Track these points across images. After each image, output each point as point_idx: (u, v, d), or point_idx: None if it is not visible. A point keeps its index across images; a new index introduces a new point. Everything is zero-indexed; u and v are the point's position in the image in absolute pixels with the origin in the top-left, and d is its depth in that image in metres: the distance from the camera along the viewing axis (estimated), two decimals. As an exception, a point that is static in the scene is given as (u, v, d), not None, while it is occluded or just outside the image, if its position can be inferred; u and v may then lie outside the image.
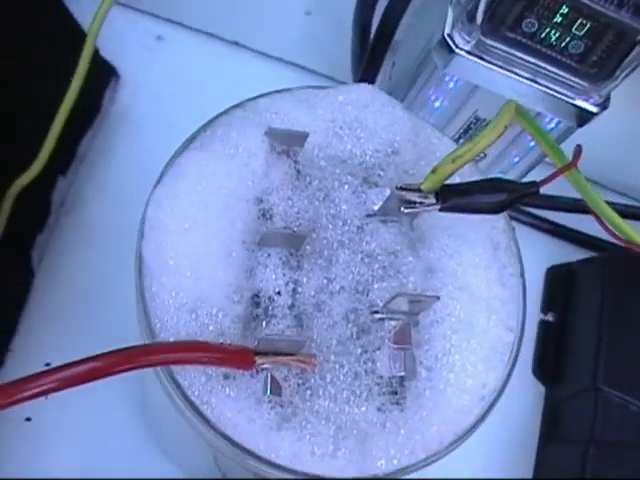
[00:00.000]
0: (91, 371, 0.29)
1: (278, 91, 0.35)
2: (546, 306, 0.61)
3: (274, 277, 0.31)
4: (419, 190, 0.32)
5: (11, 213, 0.49)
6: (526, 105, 0.44)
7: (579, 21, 0.42)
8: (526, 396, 0.60)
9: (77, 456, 0.53)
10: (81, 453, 0.53)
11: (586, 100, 0.45)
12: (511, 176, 0.52)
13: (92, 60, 0.54)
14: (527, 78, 0.44)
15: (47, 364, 0.53)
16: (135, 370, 0.30)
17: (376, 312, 0.32)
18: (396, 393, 0.32)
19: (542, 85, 0.44)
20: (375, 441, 0.31)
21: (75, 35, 0.50)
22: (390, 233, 0.33)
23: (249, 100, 0.35)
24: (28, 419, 0.53)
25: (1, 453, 0.51)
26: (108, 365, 0.29)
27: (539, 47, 0.43)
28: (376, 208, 0.33)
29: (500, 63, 0.44)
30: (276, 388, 0.30)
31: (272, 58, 0.63)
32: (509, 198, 0.33)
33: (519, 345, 0.34)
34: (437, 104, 0.49)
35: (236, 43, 0.63)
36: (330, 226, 0.33)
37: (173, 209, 0.30)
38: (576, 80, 0.44)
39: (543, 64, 0.44)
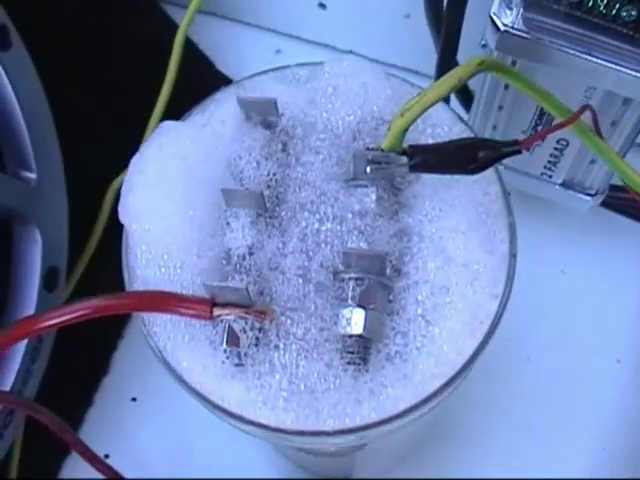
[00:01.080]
0: (75, 316, 0.32)
1: (276, 69, 0.37)
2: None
3: (241, 236, 0.33)
4: (382, 150, 0.32)
5: (112, 208, 0.54)
6: (589, 83, 0.42)
7: (624, -17, 0.39)
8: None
9: (177, 437, 0.57)
10: (180, 434, 0.57)
11: (653, 72, 0.42)
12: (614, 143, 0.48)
13: (203, 70, 0.60)
14: (582, 52, 0.42)
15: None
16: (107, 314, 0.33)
17: (339, 272, 0.32)
18: (354, 352, 0.32)
19: (600, 59, 0.41)
20: (326, 398, 0.31)
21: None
22: (363, 197, 0.33)
23: (247, 78, 0.37)
24: (134, 399, 0.57)
25: (107, 431, 0.56)
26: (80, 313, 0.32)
27: (588, 17, 0.41)
28: (351, 173, 0.34)
29: (550, 38, 0.42)
30: (233, 339, 0.32)
31: (384, 64, 0.64)
32: (487, 156, 0.32)
33: (502, 314, 0.33)
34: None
35: (350, 52, 0.65)
36: (298, 189, 0.33)
37: (140, 172, 0.33)
38: (636, 50, 0.41)
39: (596, 35, 0.41)
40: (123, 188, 0.33)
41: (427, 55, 0.58)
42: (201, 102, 0.36)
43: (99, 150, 0.53)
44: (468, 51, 0.51)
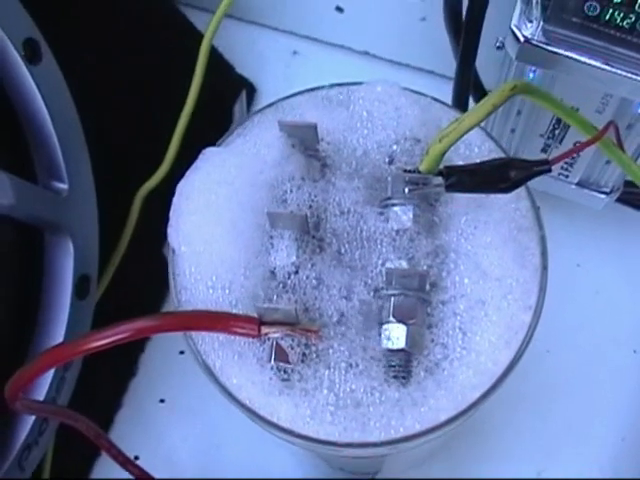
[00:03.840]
0: (126, 336, 0.34)
1: (312, 89, 0.38)
2: None
3: (285, 255, 0.34)
4: (419, 171, 0.34)
5: (140, 214, 0.55)
6: (606, 90, 0.43)
7: (640, -2, 0.40)
8: None
9: (206, 438, 0.58)
10: (209, 435, 0.58)
11: (668, 81, 0.43)
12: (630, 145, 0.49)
13: (223, 73, 0.61)
14: (599, 62, 0.43)
15: (181, 352, 0.59)
16: (154, 334, 0.35)
17: (381, 289, 0.34)
18: (397, 366, 0.33)
19: (617, 69, 0.43)
20: (371, 411, 0.33)
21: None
22: (400, 216, 0.35)
23: (282, 99, 0.38)
24: (162, 400, 0.59)
25: (136, 432, 0.58)
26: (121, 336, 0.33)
27: (606, 29, 0.42)
28: (388, 193, 0.35)
29: (569, 49, 0.43)
30: (281, 355, 0.33)
31: (400, 64, 0.65)
32: (518, 176, 0.33)
33: (536, 324, 0.34)
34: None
35: (366, 53, 0.66)
36: (338, 211, 0.35)
37: (188, 197, 0.34)
38: (651, 60, 0.42)
39: (614, 47, 0.42)
40: (172, 212, 0.35)
41: (442, 56, 0.59)
42: (243, 122, 0.38)
43: (126, 158, 0.54)
44: (482, 52, 0.52)
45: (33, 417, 0.47)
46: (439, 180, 0.33)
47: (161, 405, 0.58)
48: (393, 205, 0.35)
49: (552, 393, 0.58)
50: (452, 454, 0.56)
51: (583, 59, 0.43)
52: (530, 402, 0.57)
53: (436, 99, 0.38)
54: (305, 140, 0.35)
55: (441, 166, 0.34)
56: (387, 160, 0.36)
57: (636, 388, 0.58)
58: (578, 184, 0.54)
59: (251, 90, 0.64)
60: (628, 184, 0.55)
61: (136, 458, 0.56)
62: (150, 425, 0.58)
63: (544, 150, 0.52)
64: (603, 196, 0.54)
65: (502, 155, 0.36)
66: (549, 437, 0.56)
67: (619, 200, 0.57)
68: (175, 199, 0.35)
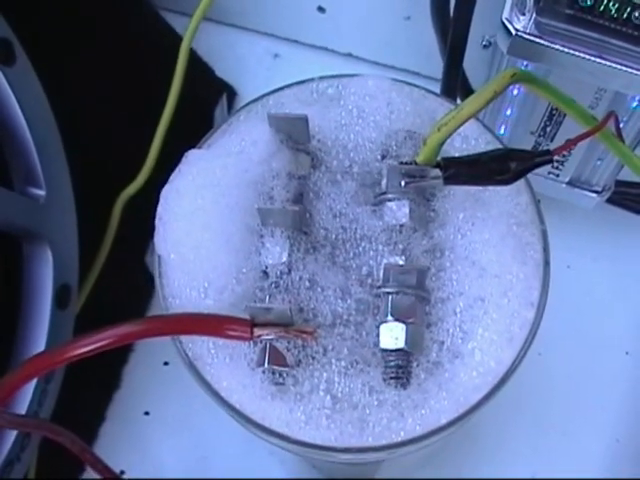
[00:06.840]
0: (111, 341, 0.32)
1: (299, 82, 0.37)
2: None
3: (277, 255, 0.33)
4: (416, 163, 0.32)
5: (121, 220, 0.53)
6: (600, 84, 0.43)
7: (636, -12, 0.39)
8: None
9: (191, 450, 0.56)
10: (196, 447, 0.56)
11: (662, 73, 0.42)
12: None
13: (203, 77, 0.59)
14: (593, 55, 0.42)
15: (165, 363, 0.58)
16: (141, 340, 0.33)
17: (377, 287, 0.33)
18: (397, 367, 0.32)
19: (610, 61, 0.42)
20: (369, 414, 0.31)
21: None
22: (396, 211, 0.33)
23: (269, 93, 0.37)
24: (147, 413, 0.57)
25: (121, 446, 0.56)
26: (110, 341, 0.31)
27: (600, 21, 0.41)
28: (383, 187, 0.34)
29: (562, 42, 0.42)
30: (277, 358, 0.31)
31: (383, 66, 0.64)
32: (519, 167, 0.32)
33: (539, 321, 0.33)
34: (515, 92, 0.48)
35: (349, 54, 0.65)
36: (330, 208, 0.34)
37: (174, 203, 0.33)
38: (646, 52, 0.41)
39: (607, 38, 0.41)
40: (157, 220, 0.33)
41: (428, 57, 0.59)
42: (229, 119, 0.36)
43: (105, 162, 0.52)
44: (467, 51, 0.51)
45: (15, 432, 0.45)
46: (437, 172, 0.32)
47: (146, 417, 0.57)
48: (388, 200, 0.33)
49: (545, 396, 0.57)
50: (444, 457, 0.54)
51: (576, 52, 0.42)
52: (523, 405, 0.56)
53: (430, 91, 0.37)
54: (295, 134, 0.34)
55: (438, 158, 0.32)
56: (380, 156, 0.35)
57: (629, 389, 0.57)
58: (569, 183, 0.53)
59: (232, 94, 0.63)
60: (619, 184, 0.55)
61: (122, 473, 0.54)
62: (135, 438, 0.56)
63: (535, 148, 0.51)
64: (594, 195, 0.54)
65: (500, 147, 0.35)
66: (543, 439, 0.55)
67: (610, 201, 0.56)
68: (160, 206, 0.33)
